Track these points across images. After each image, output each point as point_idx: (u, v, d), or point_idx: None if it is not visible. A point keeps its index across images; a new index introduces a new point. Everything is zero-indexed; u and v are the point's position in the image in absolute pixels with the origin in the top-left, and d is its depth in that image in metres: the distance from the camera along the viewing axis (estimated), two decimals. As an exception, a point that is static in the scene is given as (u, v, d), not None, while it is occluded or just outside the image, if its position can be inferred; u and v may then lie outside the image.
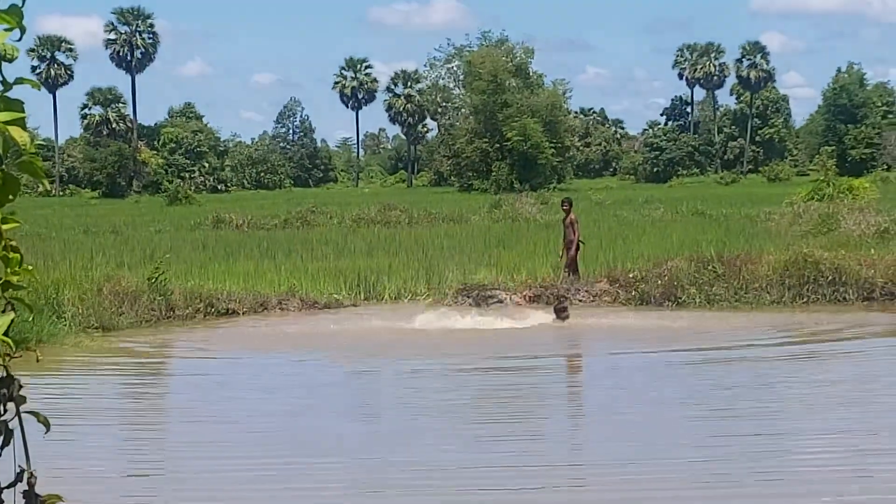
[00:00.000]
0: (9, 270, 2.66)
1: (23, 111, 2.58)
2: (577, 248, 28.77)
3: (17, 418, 2.74)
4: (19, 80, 2.61)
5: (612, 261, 29.65)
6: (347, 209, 57.51)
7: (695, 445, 13.24)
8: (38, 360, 2.87)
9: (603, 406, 16.28)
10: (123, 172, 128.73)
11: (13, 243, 2.64)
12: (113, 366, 20.56)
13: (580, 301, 27.33)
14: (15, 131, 2.52)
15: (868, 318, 24.36)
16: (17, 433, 2.76)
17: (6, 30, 2.57)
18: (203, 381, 19.14)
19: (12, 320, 2.63)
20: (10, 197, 2.60)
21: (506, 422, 15.26)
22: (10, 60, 2.61)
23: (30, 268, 2.68)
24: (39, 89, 2.69)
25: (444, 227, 46.14)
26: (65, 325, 22.20)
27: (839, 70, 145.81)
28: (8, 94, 2.58)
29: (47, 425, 2.80)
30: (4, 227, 2.62)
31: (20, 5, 2.55)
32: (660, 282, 26.88)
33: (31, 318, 18.73)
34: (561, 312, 25.01)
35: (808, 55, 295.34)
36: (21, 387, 2.72)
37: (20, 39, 2.60)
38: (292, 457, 13.10)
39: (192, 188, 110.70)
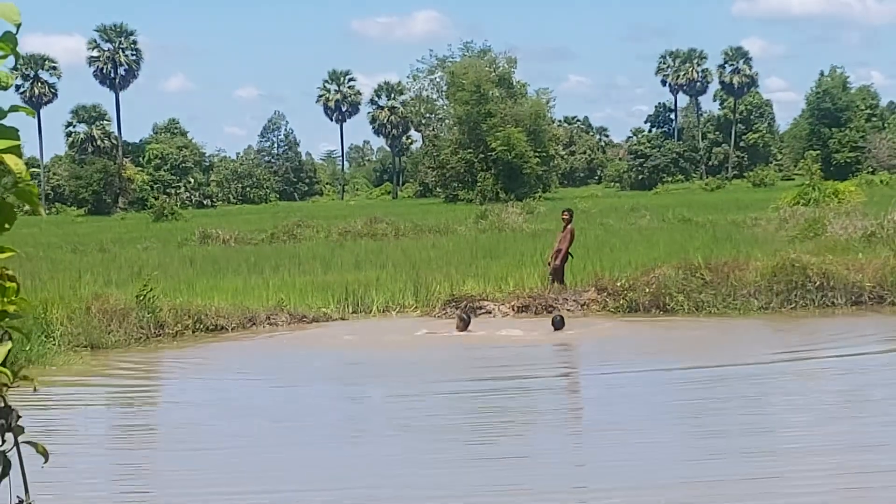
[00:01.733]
0: (5, 300, 2.63)
1: (18, 139, 2.56)
2: (565, 259, 28.81)
3: (15, 449, 2.72)
4: (14, 108, 2.58)
5: (600, 269, 29.63)
6: (334, 222, 57.47)
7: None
8: (35, 391, 2.85)
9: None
10: (109, 189, 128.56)
11: (9, 272, 2.61)
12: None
13: (568, 310, 27.31)
14: (10, 159, 2.50)
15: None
16: (16, 463, 2.74)
17: (1, 57, 2.55)
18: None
19: (10, 350, 2.61)
20: (7, 226, 2.58)
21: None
22: (6, 88, 2.58)
23: (24, 298, 2.65)
24: (34, 116, 2.67)
25: (431, 239, 46.13)
26: (53, 345, 22.11)
27: (822, 74, 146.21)
28: (2, 121, 2.56)
29: (46, 455, 2.78)
30: (0, 255, 2.60)
31: (14, 32, 2.53)
32: (648, 290, 26.87)
33: (20, 343, 18.67)
34: (559, 324, 24.89)
35: (791, 60, 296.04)
36: (19, 417, 2.70)
37: (15, 67, 2.57)
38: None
39: (178, 204, 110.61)
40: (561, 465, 13.14)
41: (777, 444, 13.67)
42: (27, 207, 2.84)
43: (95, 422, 17.21)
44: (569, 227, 29.06)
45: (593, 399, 18.07)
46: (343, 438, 15.22)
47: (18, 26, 2.54)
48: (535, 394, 18.56)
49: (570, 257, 29.02)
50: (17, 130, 2.56)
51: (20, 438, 2.72)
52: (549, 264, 29.02)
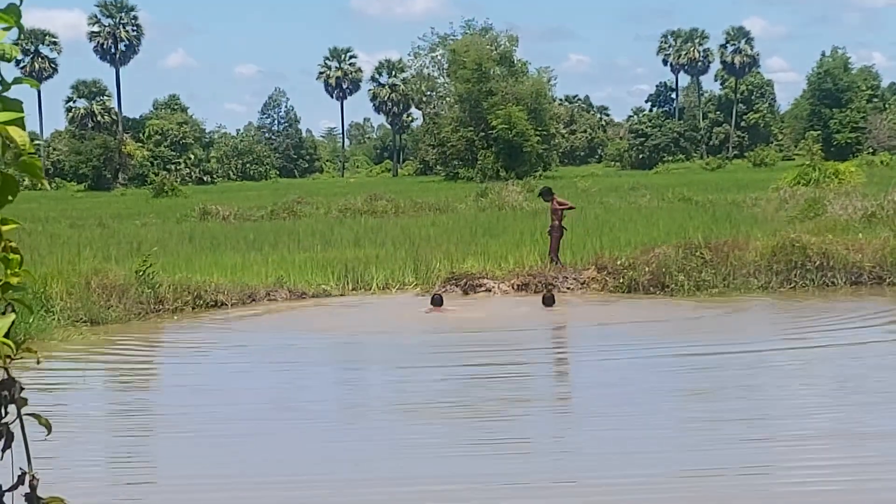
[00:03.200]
0: (9, 272, 2.64)
1: (21, 111, 2.56)
2: (561, 235, 28.83)
3: (18, 421, 2.72)
4: (17, 80, 2.58)
5: (600, 248, 29.63)
6: (333, 199, 57.49)
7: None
8: (38, 363, 2.84)
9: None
10: (109, 165, 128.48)
11: (13, 244, 2.62)
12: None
13: (568, 289, 27.33)
14: (14, 131, 2.49)
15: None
16: (19, 435, 2.74)
17: (4, 29, 2.55)
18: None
19: (13, 322, 2.61)
20: (10, 198, 2.58)
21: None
22: (9, 60, 2.58)
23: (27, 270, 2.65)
24: (38, 88, 2.67)
25: (431, 217, 46.14)
26: (53, 320, 22.13)
27: (823, 54, 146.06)
28: (6, 93, 2.55)
29: (49, 428, 2.78)
30: (4, 228, 2.60)
31: (18, 4, 2.53)
32: (648, 269, 26.86)
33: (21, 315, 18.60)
34: (549, 301, 25.07)
35: (792, 40, 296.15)
36: (22, 389, 2.70)
37: (18, 39, 2.57)
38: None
39: (178, 180, 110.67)
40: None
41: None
42: (27, 181, 2.84)
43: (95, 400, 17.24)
44: (554, 203, 29.03)
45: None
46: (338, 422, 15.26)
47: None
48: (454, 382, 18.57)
49: (563, 231, 28.98)
50: (21, 102, 2.56)
51: (23, 410, 2.73)
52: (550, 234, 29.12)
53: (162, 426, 15.06)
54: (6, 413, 2.72)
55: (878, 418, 13.62)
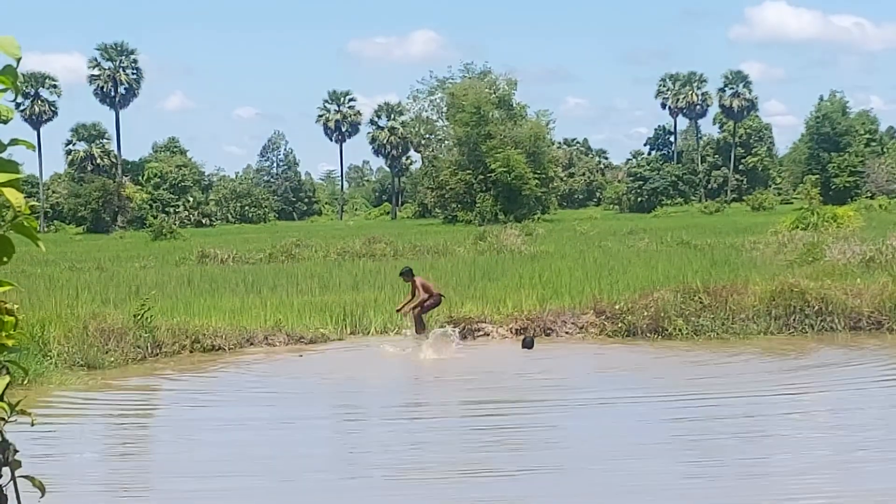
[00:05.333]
0: (3, 334, 2.61)
1: (18, 172, 2.55)
2: (425, 308, 27.77)
3: (12, 483, 2.70)
4: (14, 142, 2.57)
5: (598, 292, 29.56)
6: (332, 242, 57.42)
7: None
8: (32, 425, 2.82)
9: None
10: (108, 208, 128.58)
11: (8, 306, 2.60)
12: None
13: (567, 333, 27.29)
14: (10, 193, 2.48)
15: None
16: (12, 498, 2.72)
17: (1, 90, 2.54)
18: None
19: (7, 384, 2.59)
20: (5, 259, 2.56)
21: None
22: (6, 122, 2.57)
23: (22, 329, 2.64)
24: (34, 150, 2.66)
25: (430, 260, 46.03)
26: (51, 364, 22.06)
27: (821, 98, 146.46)
28: (2, 154, 2.54)
29: (42, 490, 2.76)
30: (-1, 289, 2.58)
31: (15, 66, 2.52)
32: (646, 313, 26.81)
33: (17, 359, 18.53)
34: (528, 343, 25.45)
35: (789, 84, 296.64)
36: (17, 451, 2.68)
37: (15, 100, 2.56)
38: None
39: (177, 223, 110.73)
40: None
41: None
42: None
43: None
44: (416, 282, 27.93)
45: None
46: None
47: (18, 60, 2.53)
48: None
49: (442, 298, 28.13)
50: (17, 164, 2.54)
51: (17, 472, 2.70)
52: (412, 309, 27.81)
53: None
54: (0, 475, 2.70)
55: None
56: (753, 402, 18.71)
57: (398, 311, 28.01)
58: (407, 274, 28.51)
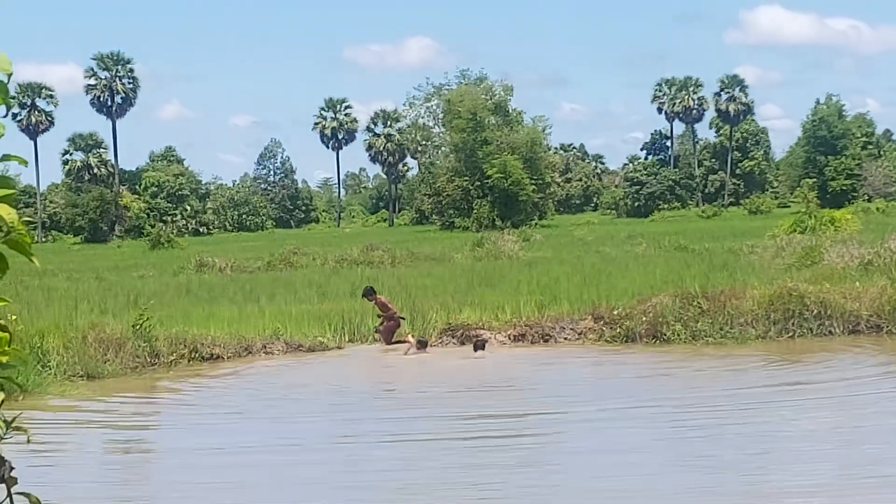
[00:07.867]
0: (-3, 351, 2.60)
1: (12, 187, 2.53)
2: (397, 325, 28.12)
3: (8, 500, 2.68)
4: (6, 157, 2.56)
5: (597, 298, 29.53)
6: (330, 250, 57.36)
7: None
8: (28, 442, 2.80)
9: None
10: (105, 217, 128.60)
11: (1, 322, 2.58)
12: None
13: (566, 339, 27.28)
14: (2, 209, 2.47)
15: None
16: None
17: (-8, 106, 2.53)
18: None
19: (2, 401, 2.57)
20: (-1, 276, 2.55)
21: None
22: (-2, 138, 2.56)
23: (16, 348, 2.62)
24: (27, 165, 2.64)
25: (427, 267, 46.00)
26: (49, 374, 22.05)
27: (818, 101, 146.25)
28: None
29: (39, 506, 2.74)
30: (-7, 306, 2.57)
31: (6, 82, 2.51)
32: (645, 318, 26.81)
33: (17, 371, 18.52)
34: (479, 346, 26.03)
35: (786, 87, 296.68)
36: (13, 468, 2.66)
37: (6, 116, 2.55)
38: None
39: (175, 232, 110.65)
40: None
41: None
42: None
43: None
44: (378, 300, 28.33)
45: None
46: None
47: (10, 76, 2.51)
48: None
49: (402, 320, 28.40)
50: (11, 179, 2.53)
51: (13, 489, 2.69)
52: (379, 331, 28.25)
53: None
54: (-4, 493, 2.68)
55: None
56: (752, 408, 18.69)
57: (376, 331, 28.18)
58: (369, 293, 28.66)
